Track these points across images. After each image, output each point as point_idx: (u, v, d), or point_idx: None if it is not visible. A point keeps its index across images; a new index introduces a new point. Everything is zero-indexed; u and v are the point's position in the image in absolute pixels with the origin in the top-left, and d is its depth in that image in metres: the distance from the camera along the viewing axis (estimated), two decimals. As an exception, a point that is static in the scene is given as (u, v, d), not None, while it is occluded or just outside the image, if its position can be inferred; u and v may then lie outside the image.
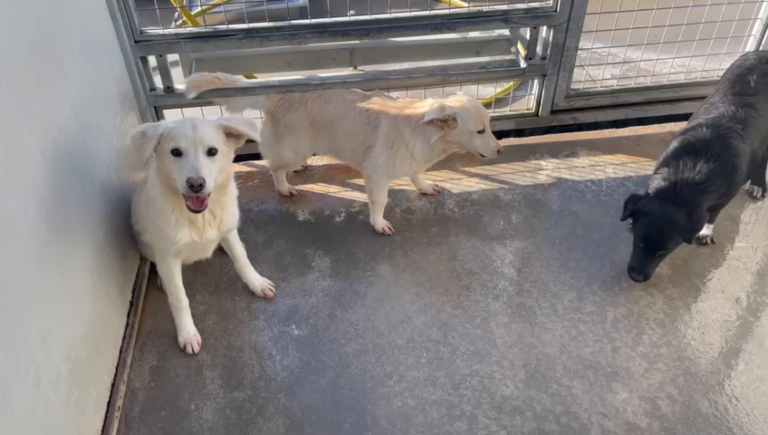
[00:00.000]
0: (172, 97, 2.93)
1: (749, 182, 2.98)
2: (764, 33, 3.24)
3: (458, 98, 2.59)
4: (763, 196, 2.99)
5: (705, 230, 2.71)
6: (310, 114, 2.71)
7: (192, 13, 3.38)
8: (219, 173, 1.99)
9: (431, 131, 2.54)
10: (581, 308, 2.47)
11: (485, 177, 3.14)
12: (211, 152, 1.94)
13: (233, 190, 2.22)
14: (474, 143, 2.58)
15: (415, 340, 2.36)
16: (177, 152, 1.91)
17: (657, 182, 2.47)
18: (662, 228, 2.39)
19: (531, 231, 2.83)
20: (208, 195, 1.93)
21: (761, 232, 2.82)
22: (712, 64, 3.28)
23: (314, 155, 3.10)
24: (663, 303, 2.50)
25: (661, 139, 3.31)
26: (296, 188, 3.06)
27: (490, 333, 2.38)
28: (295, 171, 3.18)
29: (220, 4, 3.68)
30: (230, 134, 2.02)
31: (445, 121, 2.50)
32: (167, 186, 2.02)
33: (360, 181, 3.09)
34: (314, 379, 2.23)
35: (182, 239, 2.11)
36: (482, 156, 2.63)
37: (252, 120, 2.18)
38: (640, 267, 2.48)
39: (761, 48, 3.25)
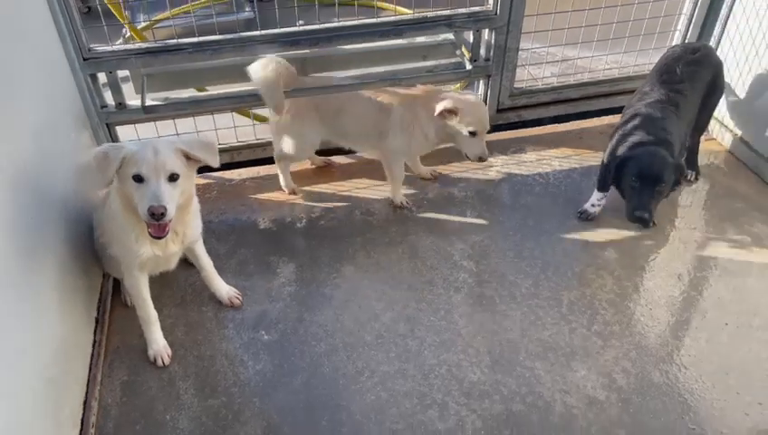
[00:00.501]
0: (124, 113, 2.92)
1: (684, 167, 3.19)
2: (689, 27, 3.46)
3: (468, 97, 2.83)
4: (696, 179, 3.20)
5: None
6: (313, 100, 2.85)
7: (138, 28, 3.37)
8: (181, 195, 2.01)
9: (439, 119, 2.72)
10: (538, 294, 2.60)
11: (441, 177, 3.25)
12: (173, 177, 1.95)
13: (195, 205, 2.24)
14: (462, 141, 2.74)
15: (383, 336, 2.44)
16: (138, 178, 1.91)
17: (629, 140, 2.63)
18: (654, 161, 2.52)
19: (486, 225, 2.96)
20: (170, 221, 1.95)
21: (697, 213, 3.03)
22: (642, 59, 3.48)
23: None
24: (613, 284, 2.65)
25: (601, 131, 3.49)
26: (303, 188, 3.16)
27: (454, 323, 2.48)
28: (319, 167, 3.30)
29: (164, 20, 3.69)
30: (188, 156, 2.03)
31: (450, 111, 2.68)
32: (127, 205, 2.03)
33: (320, 188, 3.16)
34: (288, 381, 2.28)
35: (145, 253, 2.13)
36: (466, 156, 2.78)
37: (212, 141, 2.17)
38: (643, 204, 2.52)
39: (686, 41, 3.47)
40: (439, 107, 2.66)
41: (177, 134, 3.09)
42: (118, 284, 2.59)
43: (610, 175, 2.67)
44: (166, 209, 1.89)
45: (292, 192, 3.11)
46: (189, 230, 2.22)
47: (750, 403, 2.18)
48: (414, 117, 2.79)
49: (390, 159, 2.96)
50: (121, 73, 2.87)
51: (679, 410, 2.17)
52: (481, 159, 2.76)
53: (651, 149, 2.56)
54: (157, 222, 1.92)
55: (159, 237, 2.01)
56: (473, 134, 2.70)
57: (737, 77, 3.29)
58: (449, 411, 2.17)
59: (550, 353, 2.36)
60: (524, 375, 2.29)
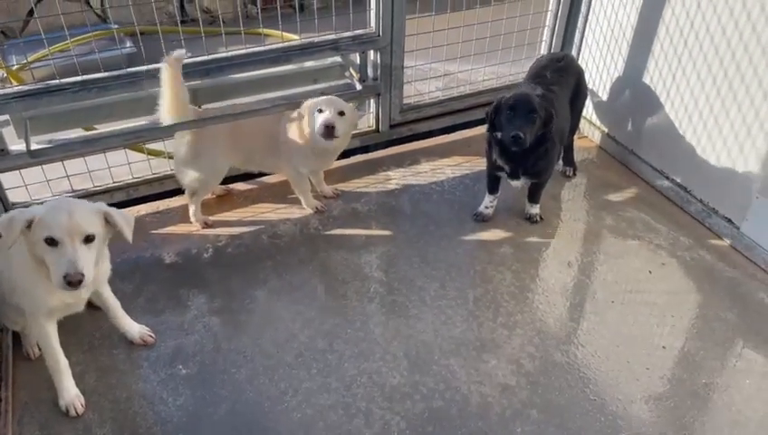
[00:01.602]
0: (7, 159, 2.79)
1: (562, 164, 3.50)
2: (553, 37, 3.81)
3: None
4: (574, 174, 3.51)
5: (534, 210, 3.14)
6: (224, 128, 2.90)
7: (14, 68, 3.23)
8: (96, 256, 1.95)
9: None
10: (446, 295, 2.75)
11: (343, 193, 3.35)
12: (89, 239, 1.89)
13: (105, 251, 2.19)
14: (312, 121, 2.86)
15: (303, 354, 2.48)
16: (51, 241, 1.83)
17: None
18: (525, 95, 2.74)
19: (390, 235, 3.09)
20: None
21: (578, 205, 3.32)
22: (516, 68, 3.78)
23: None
24: (512, 277, 2.85)
25: (486, 138, 3.74)
26: (210, 218, 3.14)
27: (370, 332, 2.57)
28: (219, 196, 3.31)
29: (40, 59, 3.56)
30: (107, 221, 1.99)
31: (293, 118, 2.93)
32: (36, 260, 1.94)
33: (224, 216, 3.17)
34: (211, 412, 2.27)
35: (53, 302, 2.06)
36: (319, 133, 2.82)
37: (130, 217, 2.12)
38: (517, 126, 2.65)
39: (551, 50, 3.81)
40: (294, 113, 2.93)
41: (68, 176, 3.00)
42: (18, 337, 2.47)
43: (490, 122, 2.84)
44: (83, 276, 1.82)
45: (205, 224, 3.10)
46: (99, 275, 2.17)
47: (639, 369, 2.43)
48: (292, 131, 2.95)
49: (291, 174, 3.11)
50: (0, 118, 2.75)
51: (581, 384, 2.38)
52: (328, 130, 2.77)
53: (524, 90, 2.81)
54: (73, 290, 1.84)
55: (75, 289, 1.90)
56: (320, 111, 2.82)
57: (599, 80, 3.65)
58: (374, 417, 2.25)
59: (462, 349, 2.51)
60: (441, 373, 2.42)
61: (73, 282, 1.82)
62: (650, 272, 2.88)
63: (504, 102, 2.77)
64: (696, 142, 3.09)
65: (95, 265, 1.99)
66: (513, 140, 2.68)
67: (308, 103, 2.91)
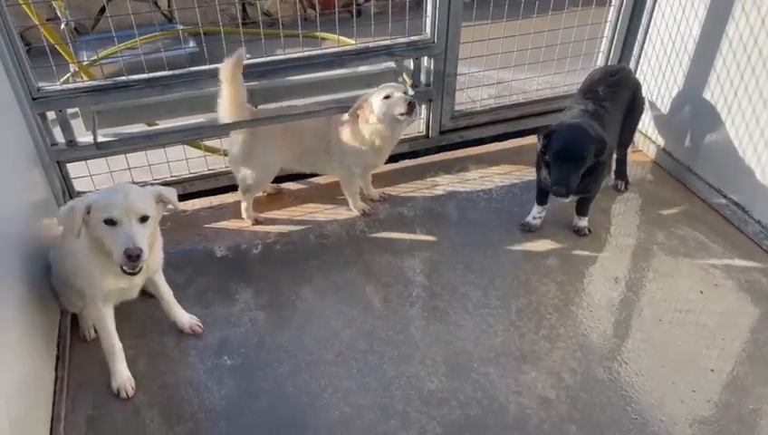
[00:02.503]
0: (75, 150, 2.95)
1: (614, 178, 3.44)
2: (611, 49, 3.75)
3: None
4: (626, 188, 3.45)
5: (583, 222, 3.10)
6: (277, 128, 2.96)
7: (84, 63, 3.40)
8: (150, 236, 2.08)
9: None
10: (488, 304, 2.75)
11: (389, 198, 3.39)
12: (143, 219, 2.02)
13: (159, 238, 2.30)
14: (387, 106, 2.87)
15: (344, 353, 2.53)
16: (110, 221, 1.97)
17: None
18: (575, 137, 2.69)
19: (435, 241, 3.10)
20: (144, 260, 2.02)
21: (629, 220, 3.26)
22: (571, 79, 3.74)
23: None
24: (556, 290, 2.83)
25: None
26: (260, 215, 3.23)
27: (411, 336, 2.59)
28: (270, 195, 3.38)
29: (109, 56, 3.73)
30: (159, 200, 2.13)
31: (359, 109, 2.94)
32: (96, 245, 2.07)
33: (274, 214, 3.25)
34: (253, 403, 2.34)
35: (109, 287, 2.17)
36: (400, 115, 2.84)
37: (173, 190, 2.26)
38: (561, 179, 2.67)
39: (608, 62, 3.75)
40: (346, 116, 2.97)
41: (130, 168, 3.14)
42: (76, 320, 2.60)
43: (541, 143, 2.80)
44: (141, 250, 1.96)
45: (255, 221, 3.19)
46: (153, 262, 2.27)
47: (685, 392, 2.38)
48: (346, 131, 3.01)
49: (342, 174, 3.14)
50: (70, 110, 2.91)
51: (622, 402, 2.34)
52: (411, 106, 2.80)
53: (574, 124, 2.76)
54: (133, 263, 1.97)
55: (133, 274, 2.06)
56: (388, 97, 2.85)
57: (657, 94, 3.58)
58: (411, 420, 2.27)
59: (502, 358, 2.50)
60: (479, 381, 2.42)
61: (133, 256, 1.94)
62: (702, 292, 2.81)
63: (554, 138, 2.73)
64: (757, 161, 2.99)
65: (150, 249, 2.11)
66: (554, 190, 2.72)
67: (370, 98, 2.91)
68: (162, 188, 2.17)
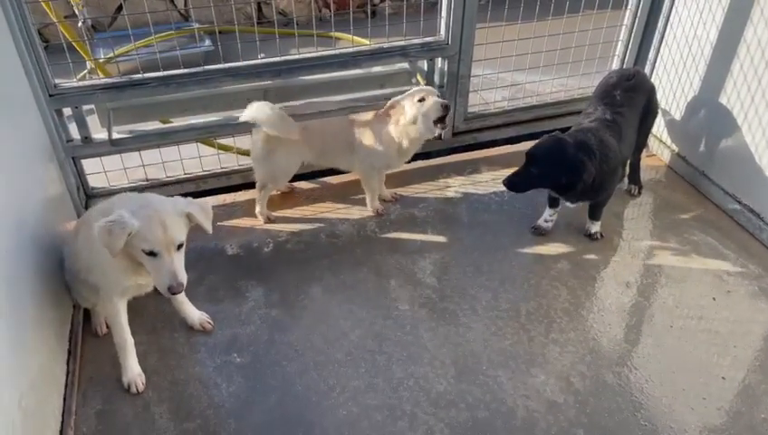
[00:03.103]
0: (90, 147, 2.98)
1: (627, 182, 3.41)
2: (626, 52, 3.72)
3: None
4: (639, 193, 3.42)
5: (595, 227, 3.08)
6: (302, 124, 2.98)
7: (100, 61, 3.43)
8: None
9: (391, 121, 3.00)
10: (498, 306, 2.74)
11: (401, 198, 3.39)
12: (180, 246, 2.07)
13: None
14: (423, 111, 2.89)
15: (352, 353, 2.53)
16: (151, 253, 2.02)
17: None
18: (544, 143, 2.77)
19: (446, 243, 3.10)
20: None
21: (641, 225, 3.24)
22: (586, 82, 3.72)
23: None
24: (567, 294, 2.81)
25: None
26: (273, 214, 3.25)
27: (420, 337, 2.59)
28: (283, 193, 3.40)
29: (126, 53, 3.76)
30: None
31: (390, 108, 2.97)
32: (126, 253, 2.08)
33: (286, 213, 3.27)
34: (262, 401, 2.35)
35: (130, 282, 2.21)
36: (434, 123, 2.89)
37: (209, 208, 2.27)
38: (510, 176, 2.79)
39: (624, 65, 3.73)
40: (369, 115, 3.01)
41: (144, 165, 3.16)
42: (88, 314, 2.63)
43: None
44: (183, 284, 2.04)
45: (268, 220, 3.20)
46: None
47: (695, 399, 2.35)
48: (373, 132, 3.02)
49: (364, 172, 3.15)
50: (86, 106, 2.93)
51: (632, 408, 2.32)
52: (446, 110, 2.85)
53: (554, 136, 2.77)
54: (174, 295, 2.08)
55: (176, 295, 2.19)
56: (422, 100, 2.87)
57: (672, 98, 3.55)
58: (418, 422, 2.27)
59: (511, 362, 2.50)
60: (488, 383, 2.41)
61: (176, 292, 2.05)
62: (714, 299, 2.78)
63: (540, 139, 2.80)
64: (773, 167, 2.96)
65: None
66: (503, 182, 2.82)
67: (403, 100, 2.93)
68: (195, 207, 2.16)
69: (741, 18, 3.00)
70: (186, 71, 2.93)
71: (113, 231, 1.97)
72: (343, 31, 4.02)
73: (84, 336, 2.59)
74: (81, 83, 2.83)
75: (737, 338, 2.59)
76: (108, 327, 2.56)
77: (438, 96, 2.91)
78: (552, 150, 2.72)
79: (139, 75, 2.88)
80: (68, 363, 2.39)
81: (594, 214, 3.05)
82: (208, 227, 2.18)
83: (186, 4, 5.61)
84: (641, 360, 2.51)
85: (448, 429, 2.25)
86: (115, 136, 2.90)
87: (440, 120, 2.87)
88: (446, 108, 2.84)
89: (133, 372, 2.37)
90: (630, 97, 3.02)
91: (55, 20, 2.82)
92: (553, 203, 3.09)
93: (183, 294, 2.56)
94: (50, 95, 2.75)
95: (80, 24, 2.83)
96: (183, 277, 2.05)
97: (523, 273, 2.93)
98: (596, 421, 2.27)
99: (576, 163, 2.67)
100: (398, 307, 2.74)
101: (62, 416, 2.21)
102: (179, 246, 2.07)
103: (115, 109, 2.96)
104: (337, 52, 3.16)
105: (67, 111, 2.91)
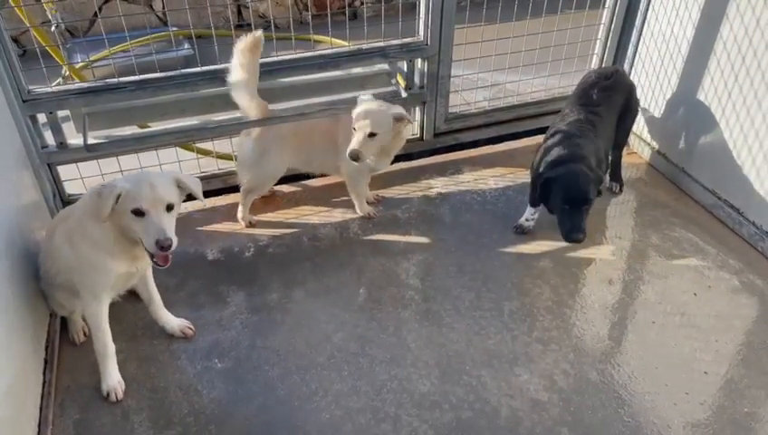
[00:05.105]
0: (66, 153, 2.93)
1: (608, 180, 3.43)
2: (605, 51, 3.74)
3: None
4: (620, 190, 3.43)
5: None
6: (285, 129, 2.98)
7: (76, 66, 3.39)
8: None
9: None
10: (481, 306, 2.73)
11: (383, 200, 3.38)
12: (169, 207, 2.06)
13: None
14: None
15: (335, 356, 2.51)
16: (138, 212, 2.01)
17: (550, 156, 2.81)
18: (578, 182, 2.70)
19: (429, 243, 3.09)
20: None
21: (623, 222, 3.25)
22: (566, 81, 3.73)
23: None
24: (550, 292, 2.81)
25: (531, 150, 3.65)
26: (254, 218, 3.21)
27: (403, 339, 2.58)
28: (264, 197, 3.35)
29: (102, 59, 3.71)
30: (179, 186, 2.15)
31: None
32: (116, 227, 2.08)
33: (267, 217, 3.24)
34: (243, 406, 2.32)
35: (120, 269, 2.18)
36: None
37: (197, 180, 2.27)
38: (576, 227, 2.72)
39: (603, 64, 3.75)
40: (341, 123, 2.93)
41: (122, 171, 3.12)
42: (65, 323, 2.58)
43: (537, 192, 2.86)
44: (172, 240, 2.02)
45: (249, 224, 3.17)
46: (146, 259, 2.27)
47: (678, 394, 2.36)
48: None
49: (349, 175, 3.13)
50: (62, 113, 2.89)
51: (615, 404, 2.32)
52: (353, 154, 2.77)
53: (572, 169, 2.74)
54: (163, 253, 2.04)
55: (164, 266, 2.13)
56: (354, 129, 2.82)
57: (651, 95, 3.57)
58: (402, 423, 2.25)
59: (494, 361, 2.49)
60: (471, 383, 2.40)
61: (165, 246, 2.01)
62: (695, 294, 2.79)
63: (554, 186, 2.76)
64: (752, 163, 2.98)
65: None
66: (573, 241, 2.76)
67: (354, 113, 2.86)
68: (184, 176, 2.19)
69: (717, 15, 3.02)
70: (163, 74, 2.90)
71: (103, 193, 2.00)
72: (323, 34, 4.01)
73: (62, 345, 2.54)
74: (55, 88, 2.79)
75: (719, 333, 2.60)
76: (86, 335, 2.53)
77: (369, 134, 2.77)
78: (583, 184, 2.71)
79: (115, 80, 2.84)
80: (44, 373, 2.35)
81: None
82: (200, 194, 2.20)
83: (164, 8, 5.56)
84: (624, 356, 2.51)
85: (432, 430, 2.23)
86: (90, 141, 2.86)
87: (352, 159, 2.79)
88: (352, 155, 2.76)
89: (113, 379, 2.33)
90: (608, 96, 3.04)
91: (28, 24, 2.77)
92: (535, 202, 3.09)
93: (160, 299, 2.53)
94: (23, 101, 2.71)
95: (53, 28, 2.79)
96: (172, 235, 2.03)
97: (506, 272, 2.92)
98: (580, 419, 2.27)
99: (598, 176, 2.78)
100: (381, 309, 2.72)
101: (39, 426, 2.17)
102: (169, 208, 2.06)
103: (91, 114, 2.92)
104: (316, 53, 3.15)
105: (42, 119, 2.86)
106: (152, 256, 2.12)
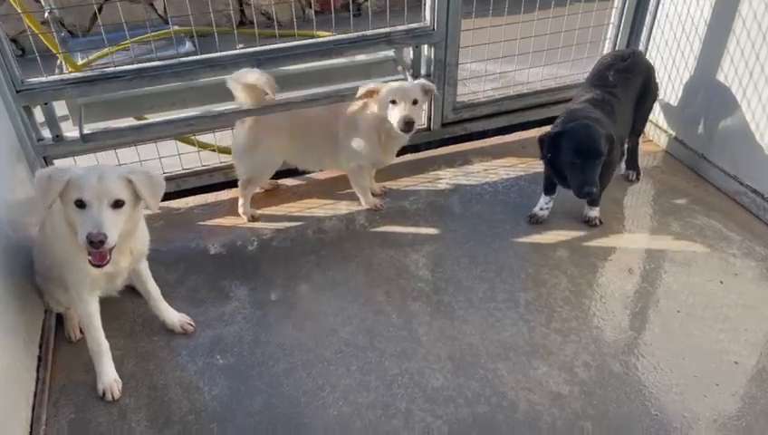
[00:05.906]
0: (62, 145, 2.84)
1: (625, 168, 3.30)
2: (617, 35, 3.62)
3: None
4: (637, 178, 3.30)
5: (593, 212, 2.95)
6: (280, 120, 2.89)
7: (78, 64, 3.30)
8: (126, 222, 1.94)
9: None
10: (495, 297, 2.60)
11: (391, 192, 3.26)
12: (118, 204, 1.88)
13: (142, 221, 2.16)
14: (389, 113, 2.74)
15: (343, 350, 2.38)
16: (80, 203, 1.84)
17: (565, 117, 2.70)
18: (589, 133, 2.55)
19: (439, 235, 2.96)
20: (111, 249, 1.88)
21: (642, 210, 3.11)
22: (577, 69, 3.61)
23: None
24: (567, 282, 2.68)
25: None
26: (257, 212, 3.11)
27: (414, 332, 2.45)
28: (267, 190, 3.26)
29: (103, 57, 3.63)
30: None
31: (371, 91, 2.79)
32: (71, 228, 1.94)
33: (271, 210, 3.13)
34: (247, 404, 2.19)
35: (95, 270, 2.03)
36: (396, 129, 2.72)
37: (161, 183, 2.04)
38: (588, 180, 2.55)
39: (616, 49, 3.62)
40: (361, 90, 2.77)
41: (120, 165, 3.02)
42: (61, 320, 2.47)
43: (544, 150, 2.70)
44: (105, 237, 1.82)
45: (252, 218, 3.06)
46: (138, 244, 2.15)
47: (708, 385, 2.22)
48: (355, 123, 2.88)
49: (351, 170, 3.03)
50: (60, 112, 2.80)
51: (641, 397, 2.18)
52: (407, 125, 2.69)
53: (582, 123, 2.61)
54: (96, 250, 1.85)
55: (99, 265, 1.92)
56: (394, 103, 2.71)
57: (666, 80, 3.44)
58: (414, 419, 2.12)
59: (511, 353, 2.35)
60: (487, 377, 2.27)
61: (95, 242, 1.81)
62: (721, 282, 2.65)
63: (563, 139, 2.62)
64: (775, 145, 2.85)
65: (133, 234, 2.03)
66: (585, 195, 2.60)
67: (387, 90, 2.75)
68: (140, 177, 1.95)
69: (735, -8, 2.90)
70: (161, 63, 2.80)
71: (53, 176, 1.85)
72: (326, 30, 3.91)
73: (57, 342, 2.43)
74: (49, 78, 2.70)
75: (748, 321, 2.46)
76: (82, 332, 2.41)
77: (415, 102, 2.72)
78: (592, 134, 2.56)
79: (112, 69, 2.74)
80: (38, 371, 2.24)
81: (593, 199, 2.92)
82: (150, 201, 1.96)
83: (165, 7, 5.49)
84: (648, 347, 2.37)
85: (447, 426, 2.10)
86: (86, 132, 2.76)
87: (407, 130, 2.71)
88: (408, 124, 2.67)
89: (109, 377, 2.22)
90: (625, 78, 2.91)
91: (20, 11, 2.69)
92: (549, 190, 2.96)
93: (159, 293, 2.43)
94: (17, 91, 2.61)
95: (46, 14, 2.70)
96: (108, 231, 1.81)
97: (520, 262, 2.79)
98: (604, 413, 2.13)
99: (608, 133, 2.61)
100: (390, 302, 2.59)
101: (31, 426, 2.06)
102: (116, 205, 1.88)
103: (87, 105, 2.82)
104: (319, 40, 3.04)
105: (41, 119, 2.77)
106: (89, 254, 1.91)
